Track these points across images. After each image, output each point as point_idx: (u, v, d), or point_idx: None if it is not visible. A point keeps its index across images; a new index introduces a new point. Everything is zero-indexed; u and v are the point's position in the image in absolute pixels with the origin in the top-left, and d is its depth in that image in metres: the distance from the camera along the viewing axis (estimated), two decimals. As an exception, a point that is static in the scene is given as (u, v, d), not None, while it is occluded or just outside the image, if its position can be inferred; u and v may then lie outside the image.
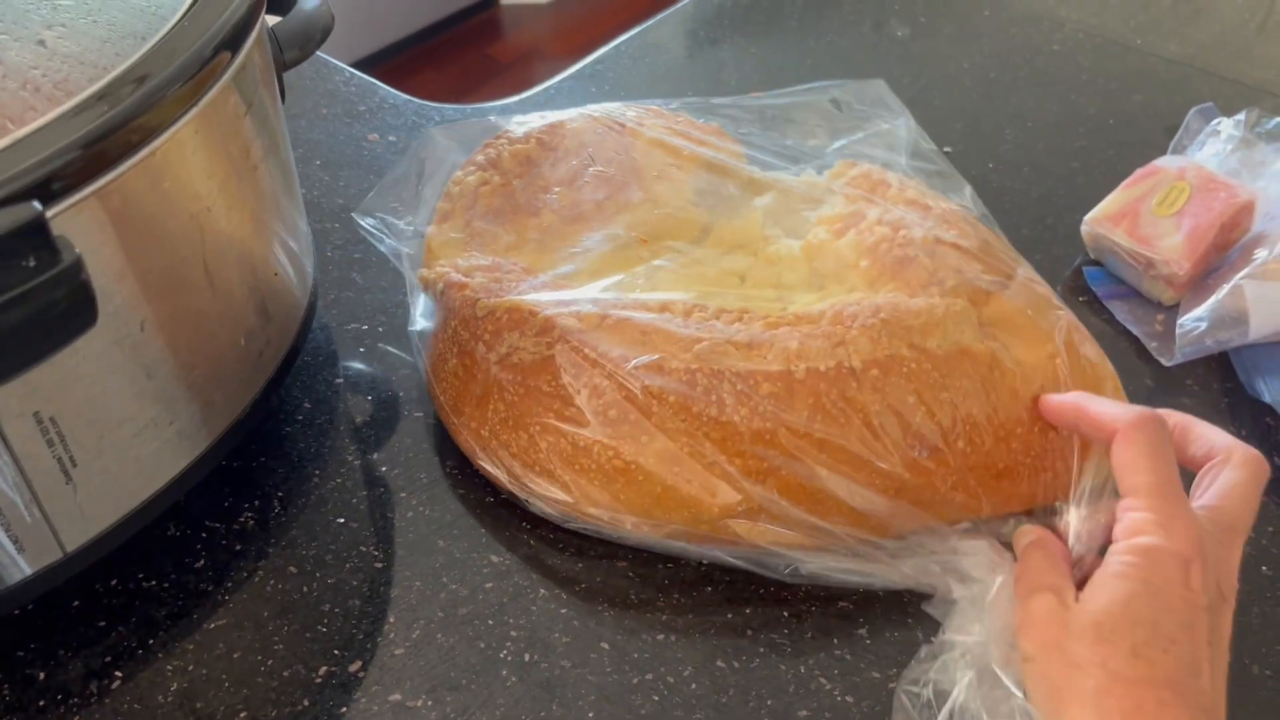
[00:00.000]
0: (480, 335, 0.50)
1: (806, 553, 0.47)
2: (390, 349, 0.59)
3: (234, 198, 0.45)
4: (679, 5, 0.94)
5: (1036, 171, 0.75)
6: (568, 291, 0.51)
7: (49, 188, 0.34)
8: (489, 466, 0.50)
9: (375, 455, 0.53)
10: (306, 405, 0.56)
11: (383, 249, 0.56)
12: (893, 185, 0.56)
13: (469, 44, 2.75)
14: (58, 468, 0.40)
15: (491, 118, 0.62)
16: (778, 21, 0.93)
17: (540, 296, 0.50)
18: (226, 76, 0.42)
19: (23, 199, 0.33)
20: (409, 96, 0.79)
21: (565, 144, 0.59)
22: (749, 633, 0.47)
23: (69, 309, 0.33)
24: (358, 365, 0.58)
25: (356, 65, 0.81)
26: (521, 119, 0.61)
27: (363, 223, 0.56)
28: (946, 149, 0.77)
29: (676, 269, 0.53)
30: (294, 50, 0.52)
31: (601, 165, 0.57)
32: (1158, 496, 0.39)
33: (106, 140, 0.36)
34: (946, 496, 0.47)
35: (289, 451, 0.53)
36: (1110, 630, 0.37)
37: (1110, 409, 0.43)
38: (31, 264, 0.32)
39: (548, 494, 0.48)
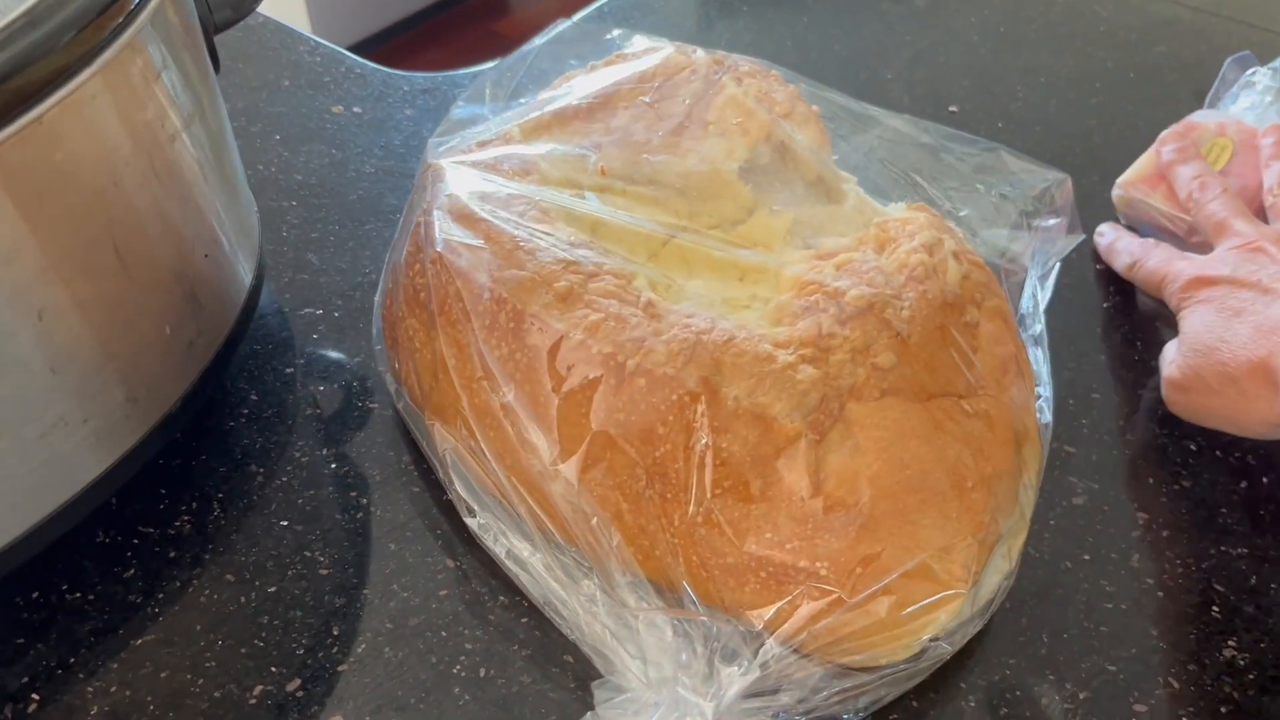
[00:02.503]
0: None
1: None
2: (346, 335, 0.54)
3: (148, 171, 0.40)
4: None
5: (1050, 131, 0.69)
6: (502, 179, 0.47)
7: (-96, 159, 0.30)
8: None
9: (324, 451, 0.49)
10: (253, 397, 0.51)
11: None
12: (912, 242, 0.44)
13: (475, 21, 2.70)
14: (-52, 474, 0.36)
15: (616, 32, 0.58)
16: (774, -21, 0.87)
17: (476, 155, 0.48)
18: (129, 33, 0.38)
19: None
20: (376, 65, 0.74)
21: (662, 73, 0.52)
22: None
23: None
24: (311, 352, 0.54)
25: (360, 44, 0.77)
26: (646, 41, 0.56)
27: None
28: (952, 109, 0.71)
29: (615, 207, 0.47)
30: (225, 10, 0.48)
31: (669, 103, 0.51)
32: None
33: (-23, 104, 0.32)
34: (651, 545, 0.40)
35: (231, 448, 0.49)
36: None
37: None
38: None
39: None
